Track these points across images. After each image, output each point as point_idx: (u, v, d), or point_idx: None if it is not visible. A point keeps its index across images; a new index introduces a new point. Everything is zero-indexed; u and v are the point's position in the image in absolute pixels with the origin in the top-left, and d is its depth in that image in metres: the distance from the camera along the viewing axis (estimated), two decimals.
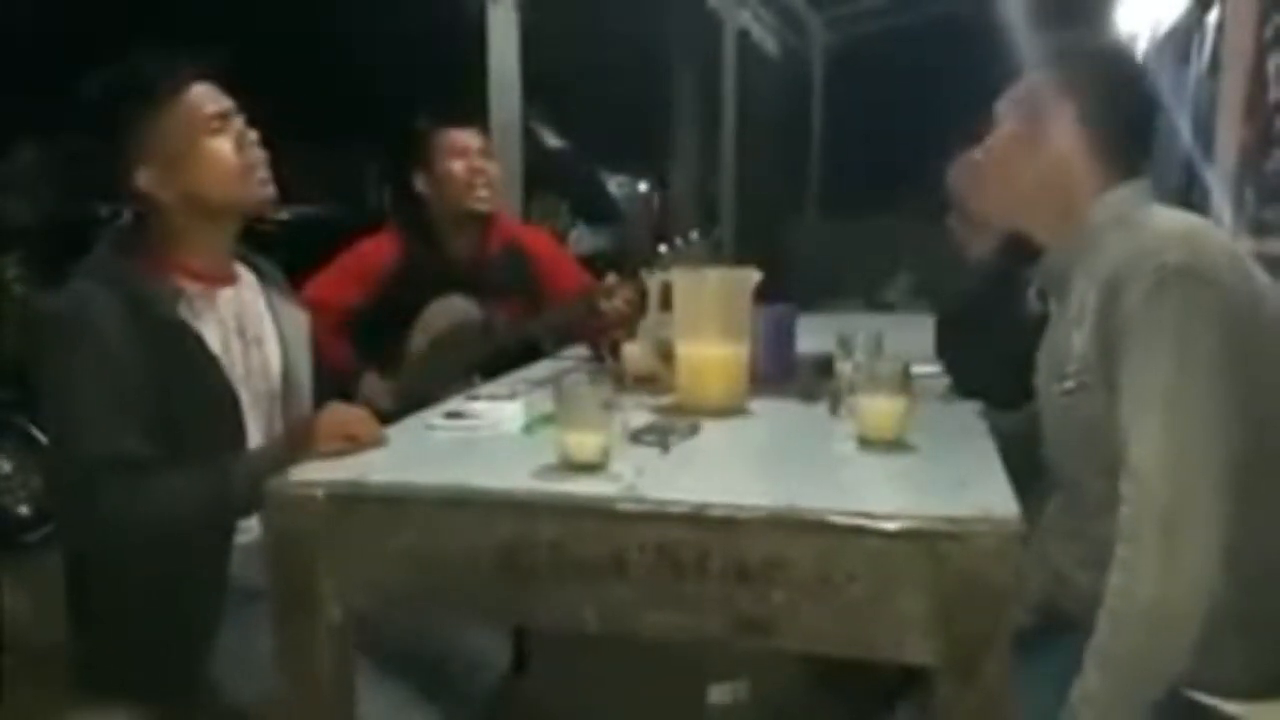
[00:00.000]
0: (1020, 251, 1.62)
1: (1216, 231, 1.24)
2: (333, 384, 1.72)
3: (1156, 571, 1.08)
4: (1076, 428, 1.28)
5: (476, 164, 2.32)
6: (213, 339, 1.47)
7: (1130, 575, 1.10)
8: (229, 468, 1.35)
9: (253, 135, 1.50)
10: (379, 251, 2.36)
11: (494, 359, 2.22)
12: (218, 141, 1.46)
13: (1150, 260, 1.15)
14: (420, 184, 2.36)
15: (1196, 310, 1.12)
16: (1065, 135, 1.31)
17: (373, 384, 2.26)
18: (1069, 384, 1.26)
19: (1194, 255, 1.15)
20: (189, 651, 1.40)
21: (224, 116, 1.47)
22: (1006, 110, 1.37)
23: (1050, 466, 1.39)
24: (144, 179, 1.44)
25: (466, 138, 2.34)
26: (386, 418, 1.47)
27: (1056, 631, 1.27)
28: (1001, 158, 1.37)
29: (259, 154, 1.50)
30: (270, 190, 1.52)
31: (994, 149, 1.38)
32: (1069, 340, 1.27)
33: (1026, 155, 1.33)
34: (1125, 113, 1.33)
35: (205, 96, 1.46)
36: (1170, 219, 1.25)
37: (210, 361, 1.44)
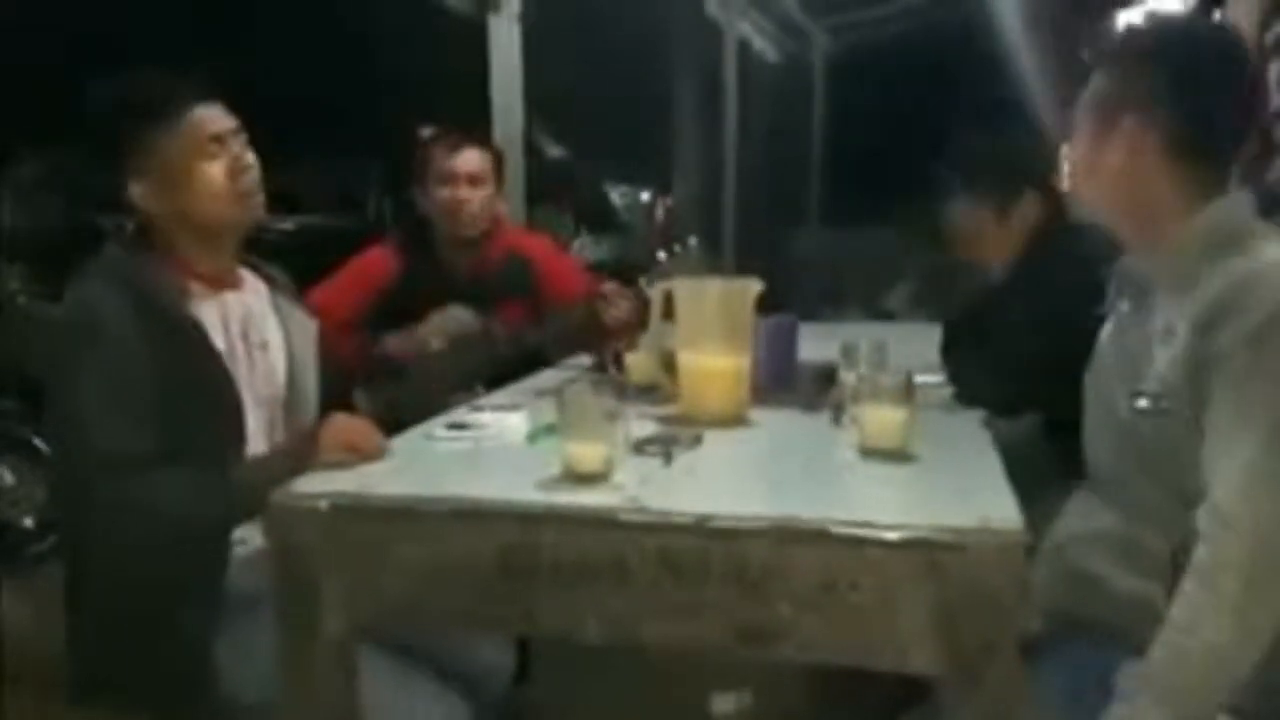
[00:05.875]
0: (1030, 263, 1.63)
1: None
2: (338, 391, 1.72)
3: (1231, 620, 1.05)
4: (1143, 444, 1.23)
5: (462, 194, 2.30)
6: (216, 339, 1.47)
7: (1200, 617, 1.07)
8: (232, 474, 1.36)
9: (249, 159, 1.51)
10: (380, 262, 2.37)
11: (497, 369, 2.23)
12: (211, 166, 1.47)
13: (1259, 294, 1.10)
14: (419, 199, 2.37)
15: None
16: (1151, 143, 1.23)
17: (394, 342, 2.25)
18: (1143, 402, 1.21)
19: None
20: (187, 661, 1.39)
21: (220, 140, 1.48)
22: (1084, 116, 1.30)
23: (1089, 462, 1.36)
24: (137, 193, 1.46)
25: (454, 163, 2.32)
26: (389, 428, 1.47)
27: (1068, 632, 1.25)
28: (1084, 165, 1.32)
29: (252, 178, 1.52)
30: (260, 210, 1.53)
31: (1075, 156, 1.33)
32: (1149, 354, 1.22)
33: (1107, 162, 1.27)
34: (1217, 120, 1.24)
35: (205, 119, 1.48)
36: None
37: (212, 356, 1.45)
